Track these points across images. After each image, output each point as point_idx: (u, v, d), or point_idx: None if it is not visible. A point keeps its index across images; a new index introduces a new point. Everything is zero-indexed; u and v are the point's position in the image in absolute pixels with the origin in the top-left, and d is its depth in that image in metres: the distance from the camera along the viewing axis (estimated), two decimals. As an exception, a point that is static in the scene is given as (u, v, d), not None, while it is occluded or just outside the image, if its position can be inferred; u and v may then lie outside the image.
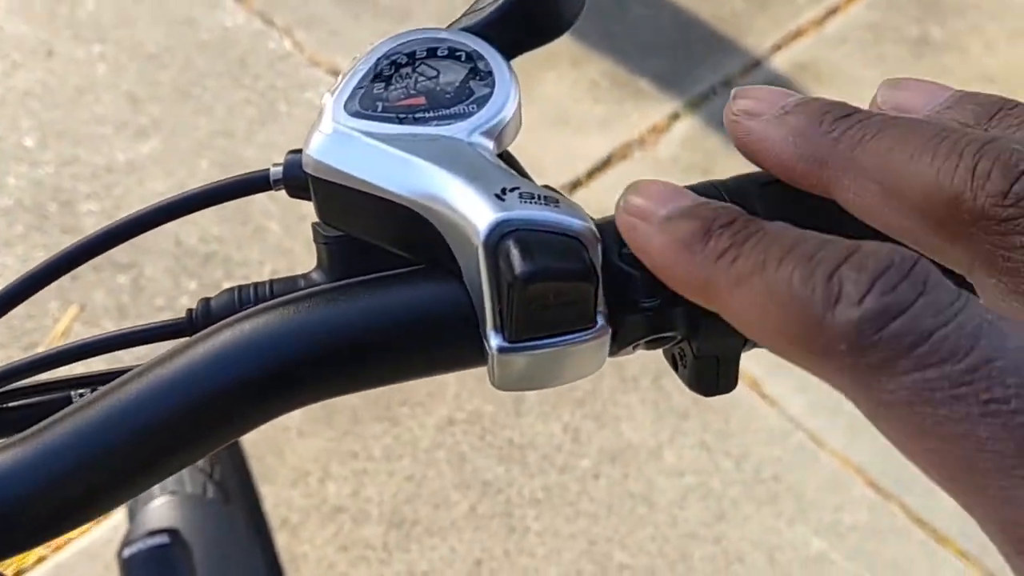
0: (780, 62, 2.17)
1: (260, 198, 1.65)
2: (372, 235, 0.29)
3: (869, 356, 0.17)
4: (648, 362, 1.58)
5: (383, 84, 0.29)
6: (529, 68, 2.00)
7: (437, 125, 0.28)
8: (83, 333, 1.48)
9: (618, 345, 0.28)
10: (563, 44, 2.07)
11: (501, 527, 1.38)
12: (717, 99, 2.06)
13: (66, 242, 1.57)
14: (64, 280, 1.41)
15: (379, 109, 0.29)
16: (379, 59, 0.30)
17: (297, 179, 0.31)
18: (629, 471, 1.47)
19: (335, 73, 1.88)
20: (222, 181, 0.33)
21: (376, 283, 0.28)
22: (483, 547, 1.36)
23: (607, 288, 0.26)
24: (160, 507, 0.78)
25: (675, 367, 0.31)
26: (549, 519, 1.40)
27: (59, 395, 0.34)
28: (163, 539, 0.72)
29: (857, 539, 1.46)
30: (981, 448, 0.17)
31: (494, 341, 0.26)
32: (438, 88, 0.29)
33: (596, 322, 0.26)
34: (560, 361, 0.27)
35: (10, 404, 0.34)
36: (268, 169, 0.32)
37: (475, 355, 0.27)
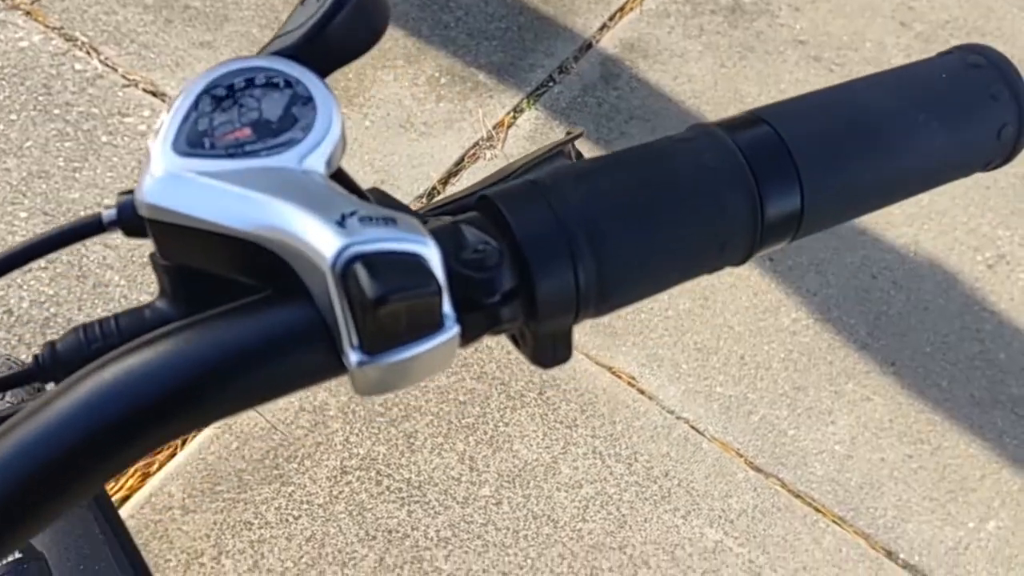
0: (608, 42, 2.17)
1: (96, 248, 1.50)
2: (216, 267, 0.30)
3: None
4: (533, 376, 1.57)
5: (207, 120, 0.30)
6: (364, 69, 1.91)
7: (267, 156, 0.29)
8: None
9: (466, 339, 0.31)
10: (396, 39, 1.98)
11: (413, 574, 1.35)
12: (555, 87, 2.04)
13: None
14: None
15: (207, 146, 0.29)
16: (199, 95, 0.30)
17: (132, 221, 0.31)
18: (530, 491, 1.47)
19: (156, 93, 1.72)
20: (52, 230, 0.33)
21: (231, 314, 0.29)
22: (398, 598, 1.32)
23: (450, 291, 0.29)
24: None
25: (517, 345, 0.34)
26: (460, 556, 1.38)
27: None
28: (15, 554, 0.67)
29: (747, 523, 1.53)
30: None
31: (353, 357, 0.28)
32: (262, 118, 0.30)
33: (444, 325, 0.29)
34: (416, 363, 0.29)
35: None
36: (100, 213, 0.32)
37: (335, 368, 0.29)
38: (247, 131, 0.30)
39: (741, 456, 1.60)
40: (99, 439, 0.26)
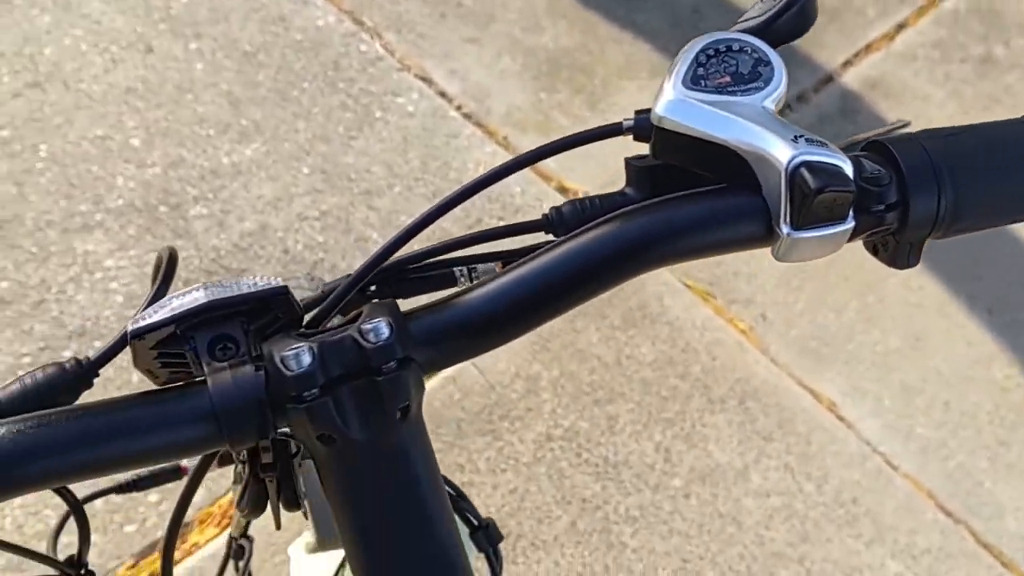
0: (851, 78, 2.20)
1: (362, 209, 1.69)
2: (694, 165, 0.44)
3: None
4: (735, 385, 1.64)
5: (703, 68, 0.45)
6: (610, 77, 2.03)
7: (741, 95, 0.44)
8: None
9: (853, 235, 0.43)
10: (644, 52, 2.10)
11: (600, 543, 1.45)
12: (792, 114, 2.09)
13: (179, 247, 1.59)
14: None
15: (703, 85, 0.44)
16: (698, 52, 0.45)
17: (643, 129, 0.45)
18: (718, 491, 1.54)
19: (425, 79, 1.91)
20: (583, 132, 0.47)
21: (700, 195, 0.43)
22: (584, 562, 1.43)
23: (853, 197, 0.41)
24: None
25: (874, 253, 0.46)
26: (645, 536, 1.47)
27: (445, 270, 0.49)
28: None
29: (930, 562, 1.54)
30: None
31: (784, 229, 0.42)
32: (738, 71, 0.45)
33: (847, 217, 0.42)
34: (820, 242, 0.42)
35: (412, 276, 0.50)
36: (621, 122, 0.47)
37: (765, 238, 0.43)
38: (728, 78, 0.45)
39: (932, 498, 1.61)
40: (603, 265, 0.42)
